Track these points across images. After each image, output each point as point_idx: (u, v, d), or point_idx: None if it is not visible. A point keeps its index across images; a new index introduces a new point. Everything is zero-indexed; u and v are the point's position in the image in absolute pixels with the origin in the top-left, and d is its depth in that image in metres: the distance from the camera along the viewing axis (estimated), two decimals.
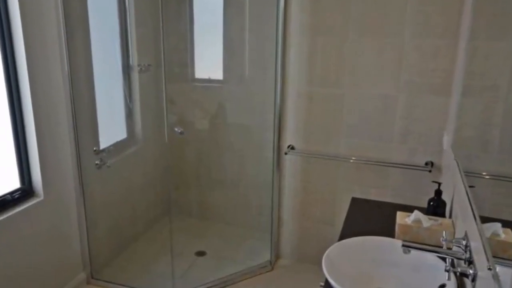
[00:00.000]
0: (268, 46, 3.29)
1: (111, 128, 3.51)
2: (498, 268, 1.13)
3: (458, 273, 1.50)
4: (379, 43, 2.92)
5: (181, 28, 3.79)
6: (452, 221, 2.13)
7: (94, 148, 3.21)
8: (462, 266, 1.54)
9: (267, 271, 3.44)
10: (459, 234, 1.86)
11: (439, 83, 2.85)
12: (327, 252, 1.86)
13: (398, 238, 2.07)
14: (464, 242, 1.58)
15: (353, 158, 3.14)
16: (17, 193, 2.73)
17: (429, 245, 1.88)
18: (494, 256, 1.19)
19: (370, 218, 2.42)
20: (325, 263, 1.78)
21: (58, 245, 3.01)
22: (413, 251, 1.67)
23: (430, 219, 2.11)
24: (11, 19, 2.57)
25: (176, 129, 3.56)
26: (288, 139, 3.30)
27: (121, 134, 3.60)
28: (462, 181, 1.85)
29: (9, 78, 2.63)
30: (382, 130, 3.05)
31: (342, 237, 2.12)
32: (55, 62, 2.84)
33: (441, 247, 1.71)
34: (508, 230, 1.17)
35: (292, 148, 3.29)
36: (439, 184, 2.32)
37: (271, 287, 3.27)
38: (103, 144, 3.30)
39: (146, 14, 3.67)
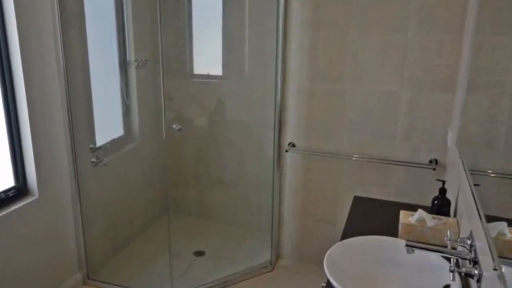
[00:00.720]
0: (268, 41, 3.27)
1: (108, 125, 3.49)
2: (504, 269, 1.12)
3: (463, 274, 1.48)
4: (382, 38, 2.90)
5: (180, 23, 3.77)
6: (457, 220, 2.11)
7: (90, 146, 3.18)
8: (467, 267, 1.53)
9: (268, 272, 3.42)
10: (464, 234, 1.85)
11: (443, 79, 2.82)
12: (328, 252, 1.85)
13: (401, 238, 2.06)
14: (469, 242, 1.57)
15: (355, 155, 3.12)
16: (11, 191, 2.71)
17: (433, 244, 1.86)
18: (499, 256, 1.18)
19: (373, 217, 2.39)
20: (327, 263, 1.77)
21: (53, 245, 2.98)
22: (417, 251, 1.66)
23: (434, 218, 2.09)
24: (5, 13, 2.54)
25: (174, 126, 3.53)
26: (289, 136, 3.28)
27: (118, 131, 3.58)
28: (467, 179, 1.83)
29: (3, 74, 2.61)
30: (385, 127, 3.02)
31: (344, 236, 2.11)
32: (50, 58, 2.81)
33: (446, 247, 1.70)
34: None
35: (293, 145, 3.27)
36: (444, 182, 2.29)
37: (271, 287, 3.23)
38: (99, 142, 3.28)
39: (143, 8, 3.65)
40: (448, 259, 1.66)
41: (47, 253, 2.93)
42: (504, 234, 1.21)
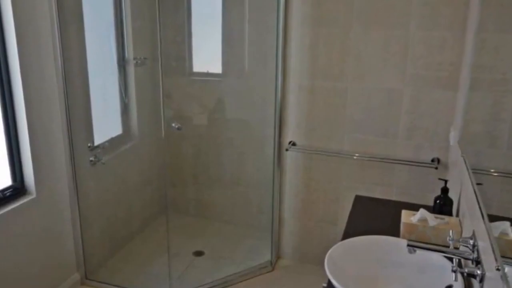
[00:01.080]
0: (268, 38, 3.24)
1: (106, 124, 3.47)
2: (507, 269, 1.11)
3: (465, 274, 1.48)
4: (384, 35, 2.88)
5: (179, 20, 3.75)
6: (459, 220, 2.10)
7: (89, 145, 3.17)
8: (469, 267, 1.51)
9: (268, 272, 3.40)
10: (466, 233, 1.84)
11: (446, 76, 2.80)
12: (329, 252, 1.84)
13: (403, 238, 2.05)
14: (471, 242, 1.56)
15: (357, 154, 3.09)
16: (9, 190, 2.68)
17: (435, 244, 1.87)
18: (502, 256, 1.17)
19: (374, 217, 2.38)
20: (328, 264, 1.77)
21: (51, 245, 2.96)
22: (418, 251, 1.64)
23: (436, 217, 2.08)
24: (2, 10, 2.52)
25: (173, 125, 3.51)
26: (289, 134, 3.25)
27: (116, 130, 3.56)
28: (470, 178, 1.82)
29: (1, 72, 2.59)
30: (387, 125, 3.00)
31: (345, 236, 2.10)
32: (48, 55, 2.79)
33: (448, 246, 1.70)
34: None
35: (294, 144, 3.25)
36: (446, 181, 2.28)
37: None
38: (97, 140, 3.26)
39: (142, 5, 3.63)
40: (450, 259, 1.65)
41: (45, 253, 2.91)
42: (507, 234, 1.20)
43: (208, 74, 3.75)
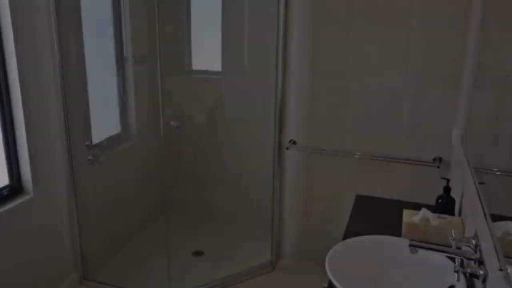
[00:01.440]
0: (268, 36, 3.20)
1: (104, 122, 3.46)
2: (510, 269, 1.10)
3: (467, 274, 1.47)
4: (385, 33, 2.86)
5: (178, 17, 3.75)
6: (462, 220, 2.09)
7: (87, 143, 3.15)
8: (472, 267, 1.51)
9: (268, 272, 3.39)
10: (469, 233, 1.84)
11: (448, 75, 2.79)
12: (330, 252, 1.85)
13: (405, 237, 2.03)
14: (474, 242, 1.55)
15: (358, 153, 3.08)
16: (6, 190, 2.68)
17: (437, 244, 1.83)
18: (505, 256, 1.16)
19: (376, 216, 2.38)
20: (329, 264, 1.77)
21: (48, 245, 2.95)
22: (420, 251, 1.65)
23: (438, 217, 2.08)
24: None
25: (172, 123, 3.51)
26: (290, 133, 3.24)
27: (114, 128, 3.56)
28: (472, 177, 1.81)
29: None
30: (388, 124, 2.99)
31: (346, 236, 2.10)
32: (45, 53, 2.77)
33: (450, 246, 1.70)
34: None
35: (294, 143, 3.23)
36: (448, 180, 2.26)
37: None
38: (95, 139, 3.25)
39: (141, 2, 3.62)
40: (453, 259, 1.64)
41: (42, 253, 2.90)
42: (510, 234, 1.20)
43: (207, 72, 3.75)
